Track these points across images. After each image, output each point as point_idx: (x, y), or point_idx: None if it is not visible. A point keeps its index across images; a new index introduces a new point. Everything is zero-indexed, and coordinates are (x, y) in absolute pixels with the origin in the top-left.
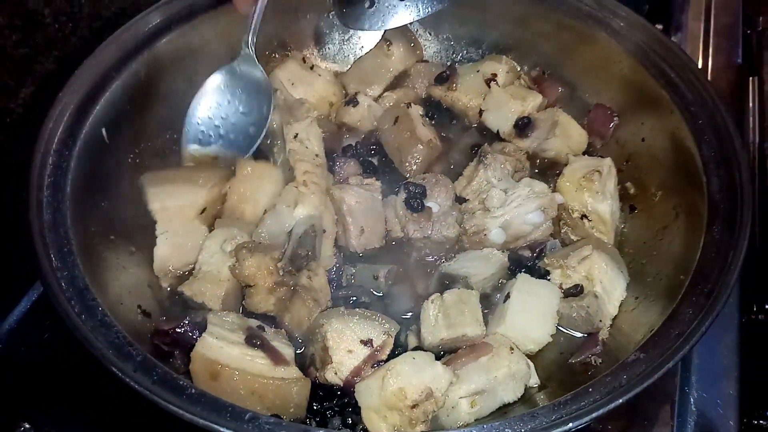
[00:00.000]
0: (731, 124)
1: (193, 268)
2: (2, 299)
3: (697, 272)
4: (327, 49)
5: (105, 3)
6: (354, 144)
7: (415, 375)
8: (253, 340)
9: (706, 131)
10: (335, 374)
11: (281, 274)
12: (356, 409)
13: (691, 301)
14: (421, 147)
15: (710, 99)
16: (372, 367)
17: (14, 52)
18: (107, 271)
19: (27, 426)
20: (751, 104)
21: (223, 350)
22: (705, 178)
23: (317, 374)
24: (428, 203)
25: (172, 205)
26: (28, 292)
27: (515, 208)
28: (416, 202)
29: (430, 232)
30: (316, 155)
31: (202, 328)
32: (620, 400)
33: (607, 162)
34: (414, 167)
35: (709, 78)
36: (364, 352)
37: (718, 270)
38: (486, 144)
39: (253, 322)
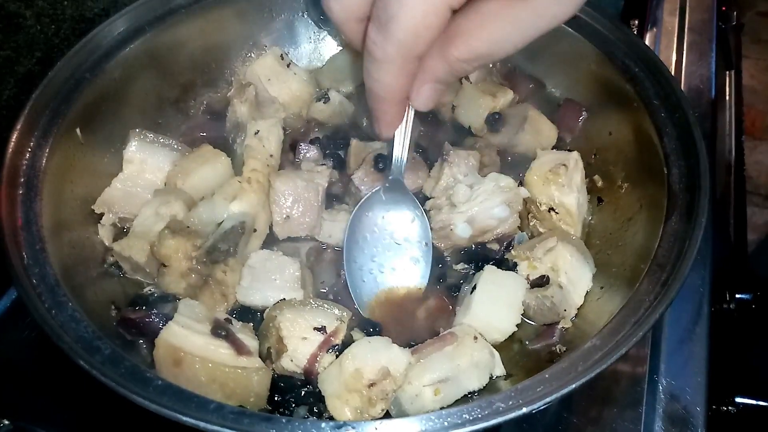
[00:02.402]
0: (691, 116)
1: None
2: None
3: (654, 261)
4: (302, 48)
5: (88, 4)
6: (321, 137)
7: (370, 356)
8: (219, 330)
9: (667, 124)
10: (291, 361)
11: (195, 262)
12: (320, 397)
13: (647, 290)
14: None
15: (672, 92)
16: (327, 351)
17: None
18: (81, 267)
19: (6, 422)
20: (727, 98)
21: (187, 338)
22: (666, 169)
23: (274, 366)
24: None
25: (145, 160)
26: (8, 290)
27: (481, 202)
28: (382, 163)
29: (362, 190)
30: (271, 155)
31: (169, 318)
32: (573, 386)
33: (574, 156)
34: None
35: (683, 72)
36: (318, 338)
37: (674, 259)
38: (447, 143)
39: (221, 315)
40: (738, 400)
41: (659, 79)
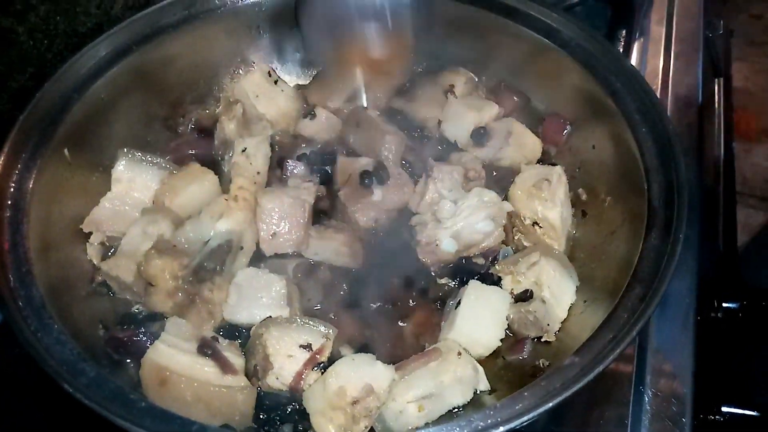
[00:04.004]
0: (672, 132)
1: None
2: None
3: (634, 277)
4: (290, 64)
5: (81, 19)
6: (308, 153)
7: (354, 373)
8: (205, 349)
9: (648, 139)
10: (277, 379)
11: (181, 281)
12: (305, 415)
13: (626, 306)
14: (390, 137)
15: (652, 106)
16: (313, 369)
17: None
18: (69, 287)
19: None
20: (716, 105)
21: (173, 357)
22: (646, 184)
23: (260, 383)
24: (376, 189)
25: (133, 179)
26: None
27: (465, 217)
28: (369, 179)
29: (348, 206)
30: (258, 173)
31: (156, 337)
32: (550, 404)
33: (557, 170)
34: (390, 154)
35: (671, 81)
36: (304, 355)
37: (653, 275)
38: (430, 158)
39: (208, 333)
40: (725, 409)
41: (640, 94)
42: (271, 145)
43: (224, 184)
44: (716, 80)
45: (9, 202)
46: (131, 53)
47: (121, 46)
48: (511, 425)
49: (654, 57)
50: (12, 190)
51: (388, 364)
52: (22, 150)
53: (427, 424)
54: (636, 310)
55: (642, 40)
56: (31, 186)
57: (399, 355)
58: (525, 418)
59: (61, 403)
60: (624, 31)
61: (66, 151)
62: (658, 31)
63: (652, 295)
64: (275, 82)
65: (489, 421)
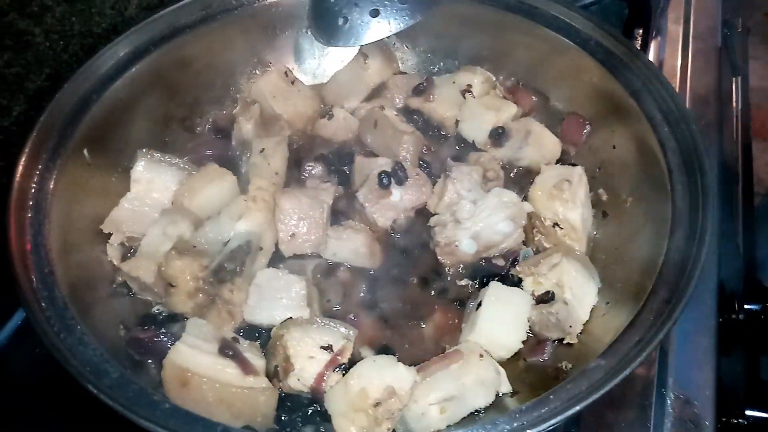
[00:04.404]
0: (696, 131)
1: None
2: None
3: (659, 279)
4: (307, 64)
5: (96, 20)
6: (326, 153)
7: (376, 375)
8: (226, 350)
9: (671, 139)
10: (298, 380)
11: (202, 282)
12: (327, 417)
13: (651, 308)
14: (408, 137)
15: (675, 107)
16: (334, 371)
17: (6, 71)
18: (90, 288)
19: None
20: (734, 104)
21: (194, 359)
22: (670, 185)
23: (281, 384)
24: (394, 190)
25: (152, 180)
26: (20, 308)
27: (485, 218)
28: (387, 180)
29: (366, 207)
30: (276, 173)
31: (177, 338)
32: (578, 407)
33: (578, 171)
34: (408, 154)
35: (689, 80)
36: (325, 357)
37: (679, 277)
38: (449, 158)
39: (228, 334)
40: (748, 412)
41: (661, 92)
42: (289, 146)
43: (242, 184)
44: (734, 79)
45: (30, 203)
46: (149, 54)
47: (139, 47)
48: (538, 429)
49: (671, 56)
50: (33, 191)
51: (409, 365)
52: (43, 151)
53: (448, 427)
54: (662, 313)
55: (659, 39)
56: (51, 187)
57: (419, 356)
58: (552, 422)
59: (73, 403)
60: (641, 30)
61: (85, 152)
62: (676, 30)
63: (678, 297)
64: (292, 83)
65: (515, 424)
